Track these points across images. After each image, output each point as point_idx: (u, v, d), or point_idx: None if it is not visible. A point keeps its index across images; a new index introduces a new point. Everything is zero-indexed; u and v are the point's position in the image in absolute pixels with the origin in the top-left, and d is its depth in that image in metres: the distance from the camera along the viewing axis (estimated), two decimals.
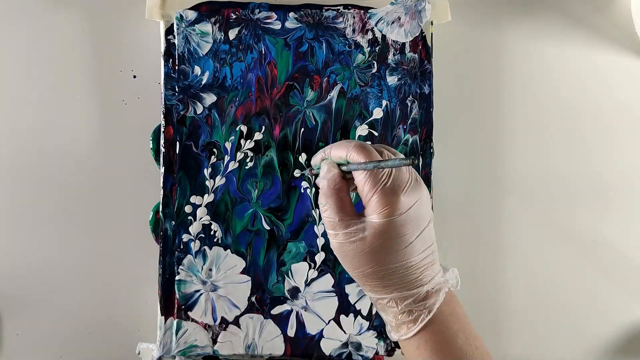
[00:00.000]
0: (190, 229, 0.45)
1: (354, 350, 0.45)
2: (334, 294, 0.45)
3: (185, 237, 0.45)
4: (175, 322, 0.44)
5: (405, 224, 0.35)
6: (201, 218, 0.45)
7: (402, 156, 0.34)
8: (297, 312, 0.45)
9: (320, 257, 0.45)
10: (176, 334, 0.44)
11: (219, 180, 0.45)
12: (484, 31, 0.49)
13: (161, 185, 0.45)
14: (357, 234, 0.35)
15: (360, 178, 0.36)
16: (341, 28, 0.46)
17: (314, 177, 0.41)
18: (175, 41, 0.45)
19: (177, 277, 0.45)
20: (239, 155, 0.45)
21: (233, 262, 0.45)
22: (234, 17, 0.46)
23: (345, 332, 0.45)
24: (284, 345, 0.45)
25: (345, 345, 0.45)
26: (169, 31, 0.45)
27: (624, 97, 0.50)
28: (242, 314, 0.45)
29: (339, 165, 0.38)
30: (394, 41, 0.46)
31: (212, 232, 0.45)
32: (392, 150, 0.38)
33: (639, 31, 0.48)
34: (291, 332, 0.45)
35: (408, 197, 0.35)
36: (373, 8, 0.46)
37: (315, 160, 0.41)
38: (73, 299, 0.47)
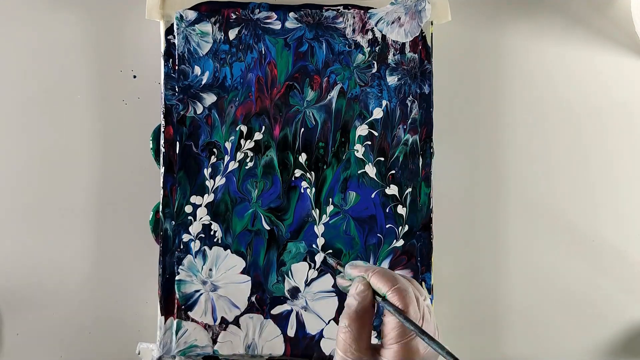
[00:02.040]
0: (190, 229, 0.45)
1: None
2: (334, 294, 0.45)
3: (185, 237, 0.45)
4: (175, 322, 0.44)
5: None
6: (201, 218, 0.45)
7: (448, 350, 0.33)
8: (297, 312, 0.45)
9: (320, 257, 0.45)
10: (176, 334, 0.44)
11: (219, 180, 0.45)
12: (484, 31, 0.49)
13: (161, 185, 0.45)
14: None
15: (390, 320, 0.35)
16: (341, 28, 0.46)
17: (337, 268, 0.40)
18: (175, 41, 0.45)
19: (177, 277, 0.45)
20: (239, 155, 0.45)
21: (233, 262, 0.45)
22: (234, 17, 0.46)
23: None
24: (284, 345, 0.45)
25: None
26: (169, 31, 0.45)
27: (623, 97, 0.50)
28: (242, 314, 0.45)
29: (375, 293, 0.36)
30: (394, 41, 0.46)
31: (212, 232, 0.45)
32: (420, 289, 0.36)
33: (639, 31, 0.48)
34: (291, 332, 0.45)
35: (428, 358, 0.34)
36: (373, 8, 0.46)
37: (352, 271, 0.37)
38: (73, 299, 0.47)
